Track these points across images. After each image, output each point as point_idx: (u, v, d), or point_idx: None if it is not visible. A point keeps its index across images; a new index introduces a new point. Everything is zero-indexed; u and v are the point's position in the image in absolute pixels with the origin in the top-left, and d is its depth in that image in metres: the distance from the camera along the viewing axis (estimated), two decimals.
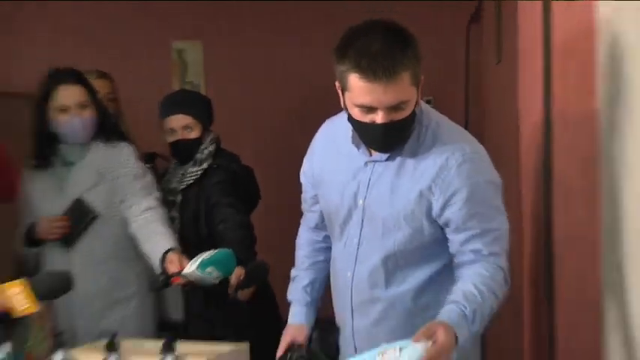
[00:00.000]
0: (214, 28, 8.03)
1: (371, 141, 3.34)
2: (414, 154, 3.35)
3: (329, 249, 3.66)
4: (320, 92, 3.82)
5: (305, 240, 3.77)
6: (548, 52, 4.20)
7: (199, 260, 3.91)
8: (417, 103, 3.27)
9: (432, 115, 3.42)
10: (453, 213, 3.28)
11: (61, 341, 3.23)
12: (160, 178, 5.12)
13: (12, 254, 5.12)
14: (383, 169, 3.39)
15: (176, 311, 5.07)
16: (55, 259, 4.81)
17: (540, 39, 4.29)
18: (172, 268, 4.22)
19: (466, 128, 3.60)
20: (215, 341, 3.44)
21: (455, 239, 3.32)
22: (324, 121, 3.63)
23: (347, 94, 3.23)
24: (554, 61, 4.14)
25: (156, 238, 4.54)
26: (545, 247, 4.22)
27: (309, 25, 7.40)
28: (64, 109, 4.76)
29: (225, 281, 4.17)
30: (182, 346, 3.04)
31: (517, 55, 5.29)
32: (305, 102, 5.00)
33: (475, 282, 3.19)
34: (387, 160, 3.38)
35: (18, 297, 3.26)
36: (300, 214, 3.76)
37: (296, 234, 3.78)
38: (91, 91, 4.90)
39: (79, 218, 4.79)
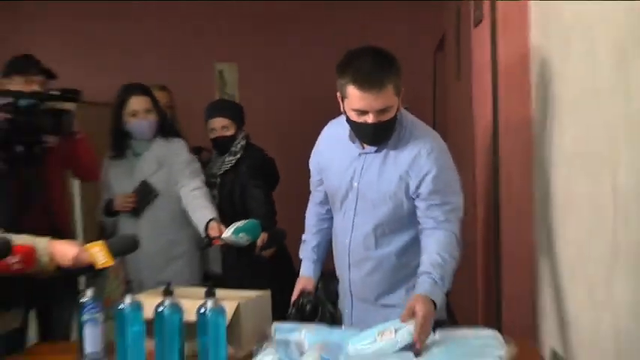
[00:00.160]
0: (246, 54, 8.08)
1: (364, 137, 3.33)
2: (395, 147, 3.33)
3: (331, 219, 3.63)
4: (324, 102, 3.80)
5: (312, 212, 3.74)
6: (495, 72, 4.18)
7: (234, 227, 3.89)
8: (398, 108, 3.26)
9: (409, 117, 3.40)
10: (423, 188, 3.27)
11: (130, 288, 3.20)
12: (204, 165, 5.10)
13: (96, 222, 5.10)
14: (372, 158, 3.38)
15: (216, 266, 5.06)
16: (126, 226, 4.80)
17: (489, 62, 4.27)
18: (213, 233, 4.24)
19: (433, 128, 3.59)
20: (244, 289, 3.41)
21: (421, 206, 3.30)
22: (327, 123, 3.62)
23: (346, 100, 3.23)
24: (499, 79, 4.12)
25: (201, 211, 4.51)
26: (493, 218, 4.20)
27: (317, 51, 7.39)
28: (134, 114, 4.76)
29: (253, 244, 4.16)
30: (220, 293, 3.01)
31: (471, 74, 5.26)
32: (313, 109, 4.98)
33: (438, 250, 3.17)
34: (375, 152, 3.36)
35: (98, 254, 3.24)
36: (309, 193, 3.74)
37: (306, 208, 3.77)
38: (154, 100, 4.88)
39: (145, 196, 4.79)
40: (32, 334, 4.44)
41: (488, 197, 4.37)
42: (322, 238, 3.70)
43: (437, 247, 3.19)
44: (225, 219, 4.34)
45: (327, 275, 3.65)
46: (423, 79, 7.82)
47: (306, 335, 3.09)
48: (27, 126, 4.25)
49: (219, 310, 2.94)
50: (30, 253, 3.13)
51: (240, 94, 7.93)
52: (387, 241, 3.41)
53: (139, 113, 4.76)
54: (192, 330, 2.95)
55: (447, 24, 6.90)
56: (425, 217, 3.30)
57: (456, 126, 6.31)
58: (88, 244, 3.29)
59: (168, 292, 3.01)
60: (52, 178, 4.44)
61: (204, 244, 4.32)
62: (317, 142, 3.65)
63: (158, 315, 2.99)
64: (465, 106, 5.50)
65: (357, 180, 3.40)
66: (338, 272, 3.58)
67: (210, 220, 4.37)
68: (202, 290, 3.04)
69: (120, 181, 4.88)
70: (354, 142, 3.40)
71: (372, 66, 3.16)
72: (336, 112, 3.40)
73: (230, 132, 5.13)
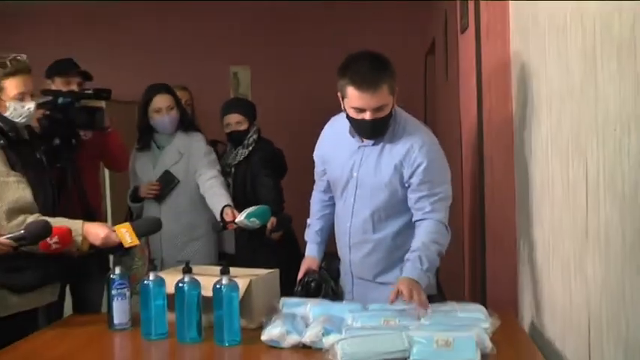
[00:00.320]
0: (258, 58, 8.09)
1: (362, 132, 3.33)
2: (390, 141, 3.33)
3: (333, 205, 3.62)
4: (327, 100, 3.79)
5: (316, 199, 3.73)
6: (479, 74, 4.18)
7: (246, 213, 3.88)
8: (393, 106, 3.27)
9: (403, 114, 3.40)
10: (414, 178, 3.28)
11: (153, 266, 3.20)
12: (220, 157, 5.10)
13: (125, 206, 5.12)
14: (370, 151, 3.37)
15: (230, 247, 5.05)
16: (150, 211, 4.81)
17: (474, 65, 4.26)
18: (228, 218, 4.24)
19: (424, 122, 3.59)
20: (255, 268, 3.40)
21: (411, 197, 3.32)
22: (329, 119, 3.61)
23: (345, 100, 3.24)
24: (483, 80, 4.11)
25: (217, 197, 4.51)
26: (479, 204, 4.19)
27: (321, 54, 7.38)
28: (158, 111, 4.78)
29: (263, 227, 4.15)
30: (233, 271, 3.01)
31: (458, 75, 5.25)
32: (317, 106, 4.97)
33: (423, 239, 3.22)
34: (372, 145, 3.36)
35: (126, 234, 3.25)
36: (314, 182, 3.73)
37: (310, 196, 3.76)
38: (176, 98, 4.90)
39: (167, 184, 4.80)
40: (67, 307, 4.46)
41: (474, 185, 4.37)
42: (325, 222, 3.69)
43: (422, 236, 3.24)
44: (238, 205, 4.34)
45: (330, 256, 3.65)
46: (415, 81, 7.79)
47: (311, 309, 3.09)
48: (63, 121, 4.27)
49: (232, 286, 2.94)
50: (67, 234, 3.15)
51: (253, 94, 7.92)
52: (383, 225, 3.41)
53: (162, 110, 4.77)
54: (208, 304, 2.96)
55: (437, 30, 6.88)
56: (414, 209, 3.32)
57: (444, 123, 6.30)
58: (116, 226, 3.30)
59: (187, 270, 3.02)
60: (85, 168, 4.46)
61: (219, 227, 4.32)
62: (320, 136, 3.65)
63: (178, 290, 3.00)
64: (453, 105, 5.49)
65: (357, 170, 3.40)
66: (339, 253, 3.58)
67: (225, 206, 4.38)
68: (218, 268, 3.04)
69: (145, 170, 4.89)
70: (353, 137, 3.40)
71: (368, 69, 3.17)
72: (337, 109, 3.39)
73: (243, 127, 5.12)
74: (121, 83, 5.49)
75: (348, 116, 3.30)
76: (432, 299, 3.32)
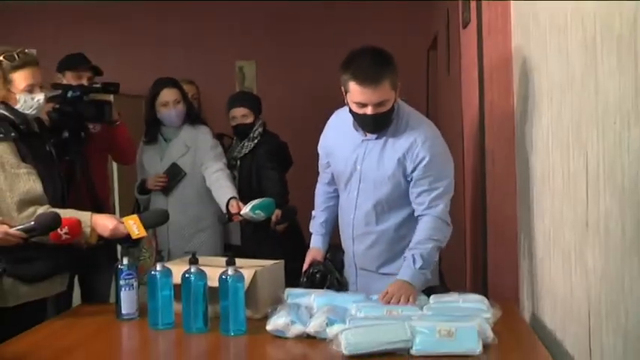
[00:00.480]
0: (263, 52, 8.09)
1: (364, 126, 3.33)
2: (393, 135, 3.33)
3: (337, 197, 3.62)
4: (331, 94, 3.78)
5: (321, 191, 3.73)
6: (481, 68, 4.17)
7: (251, 205, 3.88)
8: (395, 100, 3.26)
9: (406, 108, 3.40)
10: (416, 173, 3.28)
11: (160, 257, 3.20)
12: (226, 150, 5.10)
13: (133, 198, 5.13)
14: (373, 145, 3.37)
15: (236, 238, 5.06)
16: (157, 203, 4.81)
17: (476, 59, 4.25)
18: (233, 210, 4.25)
19: (426, 116, 3.59)
20: (260, 259, 3.40)
21: (412, 191, 3.33)
22: (333, 112, 3.61)
23: (348, 94, 3.24)
24: (485, 74, 4.10)
25: (223, 190, 4.52)
26: (480, 196, 4.19)
27: (324, 48, 7.38)
28: (165, 104, 4.79)
29: (268, 219, 4.15)
30: (239, 262, 3.01)
31: (460, 69, 5.24)
32: (322, 100, 4.97)
33: (421, 236, 3.26)
34: (376, 139, 3.36)
35: (133, 226, 3.25)
36: (318, 175, 3.73)
37: (315, 189, 3.75)
38: (182, 92, 4.90)
39: (174, 176, 4.80)
40: (75, 297, 4.46)
41: (476, 178, 4.36)
42: (329, 214, 3.69)
43: (419, 234, 3.28)
44: (244, 197, 4.35)
45: (334, 247, 3.66)
46: (417, 75, 7.78)
47: (315, 299, 3.09)
48: (72, 115, 4.28)
49: (238, 277, 2.94)
50: (76, 225, 3.16)
51: (258, 88, 7.93)
52: (386, 217, 3.41)
53: (169, 104, 4.78)
54: (214, 294, 2.96)
55: (438, 25, 6.87)
56: (415, 204, 3.34)
57: (446, 117, 6.29)
58: (124, 218, 3.31)
59: (193, 261, 3.02)
60: (94, 161, 4.47)
61: (225, 219, 4.33)
62: (325, 130, 3.65)
63: (185, 281, 3.00)
64: (455, 99, 5.48)
65: (360, 164, 3.40)
66: (343, 245, 3.58)
67: (231, 198, 4.39)
68: (223, 259, 3.05)
69: (152, 163, 4.89)
70: (357, 130, 3.39)
71: (370, 64, 3.17)
72: (340, 103, 3.39)
73: (249, 120, 5.13)
74: (128, 77, 5.48)
75: (350, 110, 3.29)
76: (434, 290, 3.36)
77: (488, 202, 4.08)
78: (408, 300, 3.05)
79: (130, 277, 3.22)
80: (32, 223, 3.05)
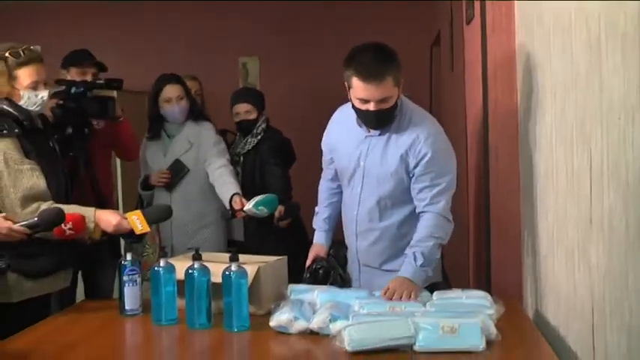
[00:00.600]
0: (266, 48, 8.10)
1: (367, 122, 3.33)
2: (397, 131, 3.32)
3: (341, 193, 3.62)
4: (334, 90, 3.78)
5: (324, 187, 3.72)
6: (484, 65, 4.16)
7: (254, 201, 3.89)
8: (398, 97, 3.26)
9: (409, 105, 3.40)
10: (418, 169, 3.28)
11: (164, 253, 3.21)
12: (229, 146, 5.10)
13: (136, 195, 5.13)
14: (376, 141, 3.37)
15: (239, 234, 5.05)
16: (160, 199, 4.80)
17: (479, 55, 4.25)
18: (237, 206, 4.25)
19: (429, 113, 3.58)
20: (264, 255, 3.40)
21: (414, 187, 3.32)
22: (337, 109, 3.61)
23: (351, 90, 3.24)
24: (489, 71, 4.09)
25: (226, 186, 4.51)
26: (484, 193, 4.18)
27: (327, 45, 7.39)
28: (168, 100, 4.77)
29: (271, 215, 4.15)
30: (242, 258, 3.01)
31: (464, 66, 5.23)
32: (325, 96, 4.98)
33: (421, 234, 3.27)
34: (379, 135, 3.35)
35: (137, 221, 3.26)
36: (321, 171, 3.73)
37: (318, 185, 3.75)
38: (186, 88, 4.89)
39: (177, 172, 4.79)
40: (79, 293, 4.46)
41: (479, 174, 4.35)
42: (333, 210, 3.69)
43: (420, 231, 3.29)
44: (247, 193, 4.35)
45: (338, 243, 3.65)
46: (421, 72, 7.78)
47: (318, 295, 3.09)
48: (76, 111, 4.28)
49: (241, 273, 2.94)
50: (80, 221, 3.16)
51: (261, 84, 7.93)
52: (389, 214, 3.41)
53: (172, 100, 4.77)
54: (218, 290, 2.96)
55: (442, 22, 6.86)
56: (416, 200, 3.34)
57: (450, 114, 6.28)
58: (128, 213, 3.32)
59: (197, 257, 3.02)
60: (97, 157, 4.48)
61: (228, 215, 4.34)
62: (328, 125, 3.64)
63: (188, 277, 3.00)
64: (458, 96, 5.47)
65: (364, 160, 3.39)
66: (346, 241, 3.58)
67: (234, 194, 4.38)
68: (227, 255, 3.04)
69: (155, 159, 4.88)
70: (360, 127, 3.39)
71: (373, 60, 3.17)
72: (345, 99, 3.38)
73: (253, 116, 5.13)
74: (132, 74, 5.49)
75: (353, 106, 3.29)
76: (437, 286, 3.35)
77: (491, 199, 4.07)
78: (410, 296, 3.05)
79: (134, 272, 3.22)
80: (36, 219, 3.05)
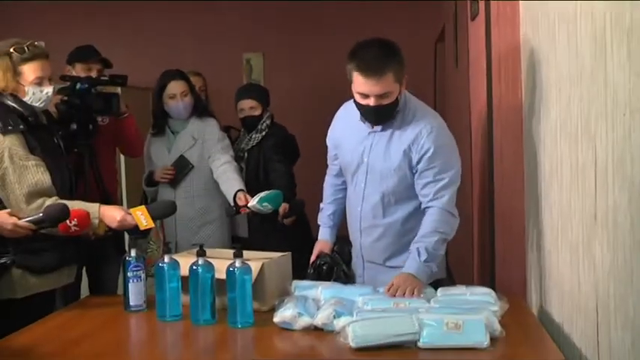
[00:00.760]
0: (271, 45, 8.11)
1: (367, 117, 3.34)
2: (400, 127, 3.32)
3: (346, 189, 3.62)
4: (339, 86, 3.77)
5: (329, 183, 3.73)
6: (489, 60, 4.15)
7: (258, 197, 3.88)
8: (400, 93, 3.26)
9: (413, 100, 3.39)
10: (421, 164, 3.28)
11: (168, 249, 3.20)
12: (233, 142, 5.09)
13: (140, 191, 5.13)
14: (380, 137, 3.36)
15: (243, 230, 5.05)
16: (165, 195, 4.79)
17: (484, 51, 4.24)
18: (241, 202, 4.23)
19: (434, 109, 3.58)
20: (268, 251, 3.40)
21: (418, 183, 3.32)
22: (341, 105, 3.60)
23: (352, 84, 3.23)
24: (493, 66, 4.08)
25: (230, 182, 4.52)
26: (488, 190, 4.18)
27: (332, 41, 7.37)
28: (172, 96, 4.76)
29: (275, 211, 4.15)
30: (246, 254, 3.01)
31: (468, 62, 5.23)
32: (329, 92, 4.98)
33: (425, 229, 3.26)
34: (382, 130, 3.35)
35: (141, 217, 3.26)
36: (325, 167, 3.73)
37: (322, 181, 3.75)
38: (190, 84, 4.88)
39: (182, 168, 4.79)
40: (83, 288, 4.47)
41: (484, 171, 4.34)
42: (338, 206, 3.69)
43: (425, 226, 3.28)
44: (251, 189, 4.35)
45: (342, 240, 3.65)
46: (425, 68, 7.78)
47: (322, 292, 3.09)
48: (81, 107, 4.28)
49: (245, 269, 2.94)
50: (85, 217, 3.16)
51: (265, 80, 7.94)
52: (393, 209, 3.40)
53: (176, 96, 4.76)
54: (222, 286, 2.96)
55: (446, 17, 6.85)
56: (421, 196, 3.33)
57: (454, 110, 6.28)
58: (132, 209, 3.32)
59: (201, 253, 3.02)
60: (102, 153, 4.48)
61: (232, 211, 4.31)
62: (333, 122, 3.65)
63: (192, 273, 3.00)
64: (463, 92, 5.47)
65: (367, 155, 3.39)
66: (351, 237, 3.58)
67: (238, 190, 4.38)
68: (231, 252, 3.04)
69: (160, 155, 4.88)
70: (364, 123, 3.39)
71: (374, 55, 3.17)
72: (349, 95, 3.37)
73: (257, 112, 5.12)
74: (136, 70, 5.49)
75: (354, 100, 3.30)
76: (441, 283, 3.35)
77: (495, 195, 4.07)
78: (414, 293, 3.04)
79: (138, 268, 3.22)
80: (41, 214, 3.06)
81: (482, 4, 4.39)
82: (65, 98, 4.26)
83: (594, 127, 2.21)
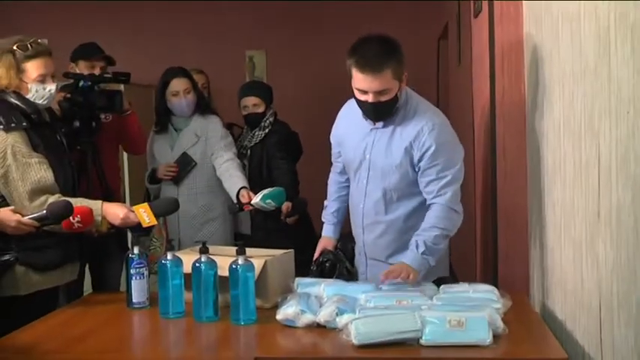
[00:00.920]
0: (273, 42, 8.10)
1: (366, 114, 3.34)
2: (401, 124, 3.32)
3: (349, 187, 3.62)
4: (341, 84, 3.76)
5: (333, 180, 3.73)
6: (492, 57, 4.14)
7: (262, 195, 3.88)
8: (399, 90, 3.25)
9: (415, 97, 3.39)
10: (423, 162, 3.28)
11: (171, 247, 3.21)
12: (236, 140, 5.09)
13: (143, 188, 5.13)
14: (381, 133, 3.36)
15: (246, 228, 5.05)
16: (168, 192, 4.79)
17: (487, 48, 4.24)
18: (244, 200, 4.23)
19: (437, 107, 3.57)
20: (271, 248, 3.40)
21: (421, 181, 3.32)
22: (344, 103, 3.60)
23: (352, 80, 3.23)
24: (496, 63, 4.08)
25: (233, 179, 4.51)
26: (490, 187, 4.17)
27: (334, 38, 7.35)
28: (175, 94, 4.75)
29: (278, 209, 4.15)
30: (249, 251, 3.01)
31: (471, 59, 5.22)
32: (332, 90, 4.97)
33: (427, 224, 3.26)
34: (383, 127, 3.35)
35: (144, 214, 3.27)
36: (328, 164, 3.73)
37: (326, 179, 3.75)
38: (193, 81, 4.88)
39: (184, 166, 4.78)
40: (86, 285, 4.47)
41: (486, 167, 4.34)
42: (341, 203, 3.70)
43: (426, 221, 3.28)
44: (254, 186, 4.35)
45: (345, 237, 3.66)
46: (428, 64, 7.76)
47: (325, 289, 3.09)
48: (84, 104, 4.28)
49: (248, 267, 2.94)
50: (88, 214, 3.17)
51: (268, 77, 7.92)
52: (395, 206, 3.41)
53: (179, 93, 4.75)
54: (225, 283, 2.96)
55: (449, 15, 6.84)
56: (425, 193, 3.34)
57: (457, 107, 6.27)
58: (135, 206, 3.32)
59: (204, 250, 3.01)
60: (105, 150, 4.48)
61: (235, 208, 4.32)
62: (336, 119, 3.65)
63: (195, 270, 3.00)
64: (466, 89, 5.46)
65: (369, 152, 3.39)
66: (354, 234, 3.59)
67: (241, 188, 4.37)
68: (234, 249, 3.04)
69: (163, 152, 4.88)
70: (366, 119, 3.39)
71: (374, 52, 3.17)
72: (351, 92, 3.36)
73: (260, 109, 5.12)
74: (139, 67, 5.48)
75: (354, 96, 3.30)
76: (444, 281, 3.35)
77: (498, 192, 4.06)
78: (408, 277, 3.06)
79: (141, 266, 3.21)
80: (44, 211, 3.06)
81: (485, 2, 4.39)
82: (68, 96, 4.26)
83: (598, 124, 2.20)
